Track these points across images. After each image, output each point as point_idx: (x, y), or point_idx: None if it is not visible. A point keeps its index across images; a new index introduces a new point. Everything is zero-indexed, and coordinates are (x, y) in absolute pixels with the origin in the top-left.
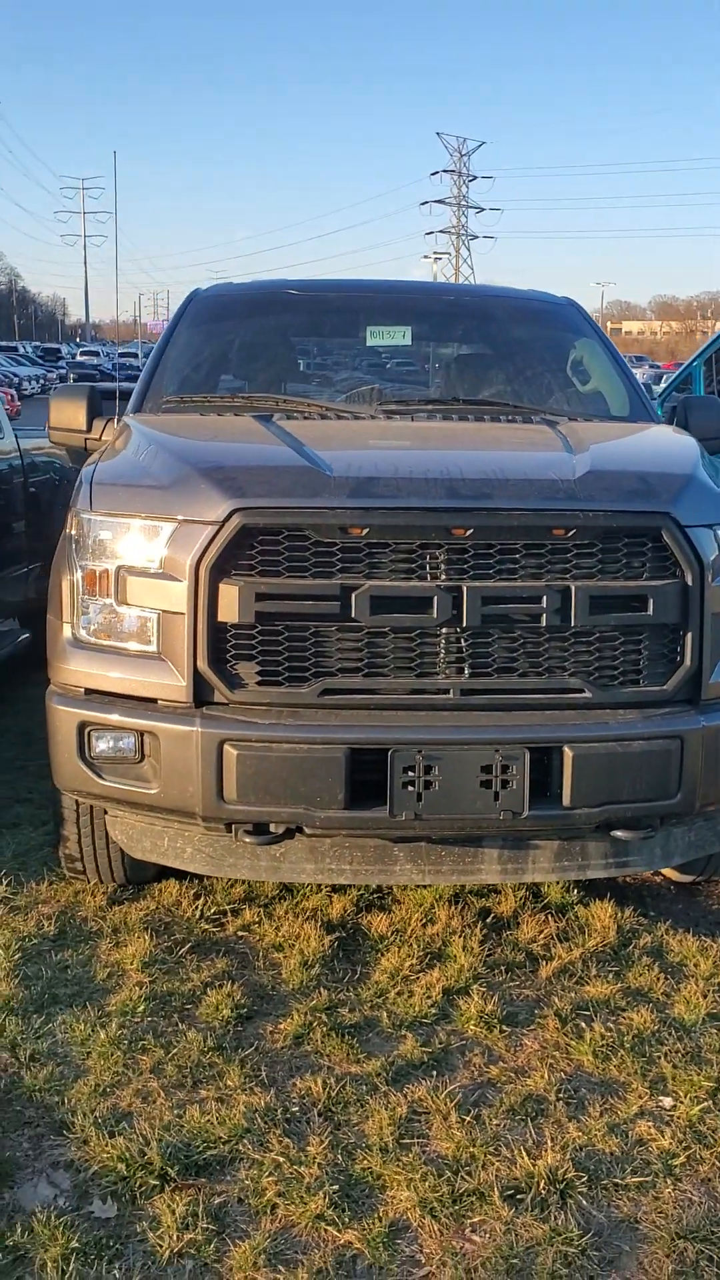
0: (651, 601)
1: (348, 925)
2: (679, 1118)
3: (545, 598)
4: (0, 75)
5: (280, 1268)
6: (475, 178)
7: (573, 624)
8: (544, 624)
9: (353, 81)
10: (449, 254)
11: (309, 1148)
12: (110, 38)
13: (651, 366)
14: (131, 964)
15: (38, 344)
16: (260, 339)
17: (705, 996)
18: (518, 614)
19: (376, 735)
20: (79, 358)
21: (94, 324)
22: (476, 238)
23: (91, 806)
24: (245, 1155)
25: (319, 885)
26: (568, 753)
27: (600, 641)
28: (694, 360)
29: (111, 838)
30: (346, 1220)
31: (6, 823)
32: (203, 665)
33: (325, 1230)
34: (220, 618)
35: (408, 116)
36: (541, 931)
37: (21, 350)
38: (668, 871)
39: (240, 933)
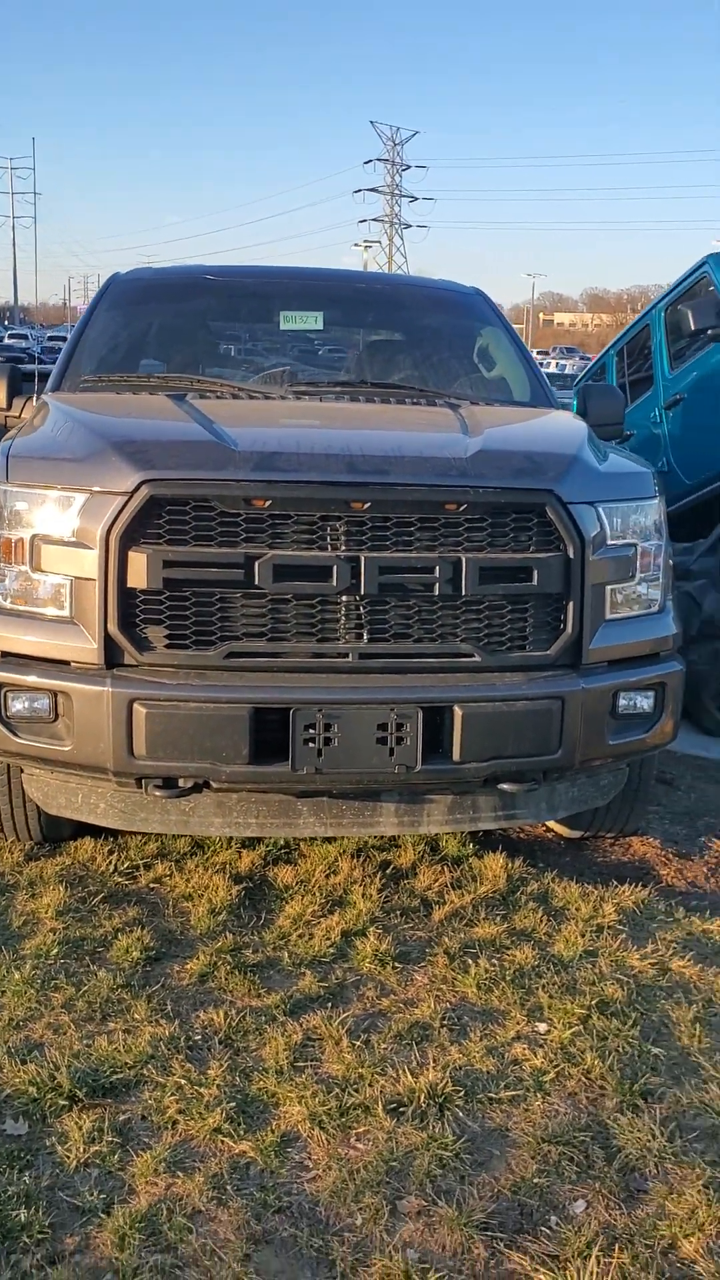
0: (536, 573)
1: (255, 877)
2: (552, 1041)
3: (438, 568)
4: None
5: (179, 1173)
6: (409, 167)
7: (463, 593)
8: (437, 593)
9: (287, 67)
10: (380, 242)
11: (209, 1071)
12: (38, 16)
13: (582, 358)
14: (46, 913)
15: None
16: (177, 322)
17: (583, 936)
18: (412, 583)
19: (279, 695)
20: (7, 340)
21: (22, 307)
22: (410, 226)
23: (8, 766)
24: (149, 1079)
25: (229, 841)
26: (457, 712)
27: (489, 609)
28: (607, 351)
29: (28, 795)
30: (241, 1133)
31: None
32: (113, 629)
33: (222, 1142)
34: (130, 584)
35: (341, 104)
36: (437, 880)
37: None
38: (557, 827)
39: (152, 884)
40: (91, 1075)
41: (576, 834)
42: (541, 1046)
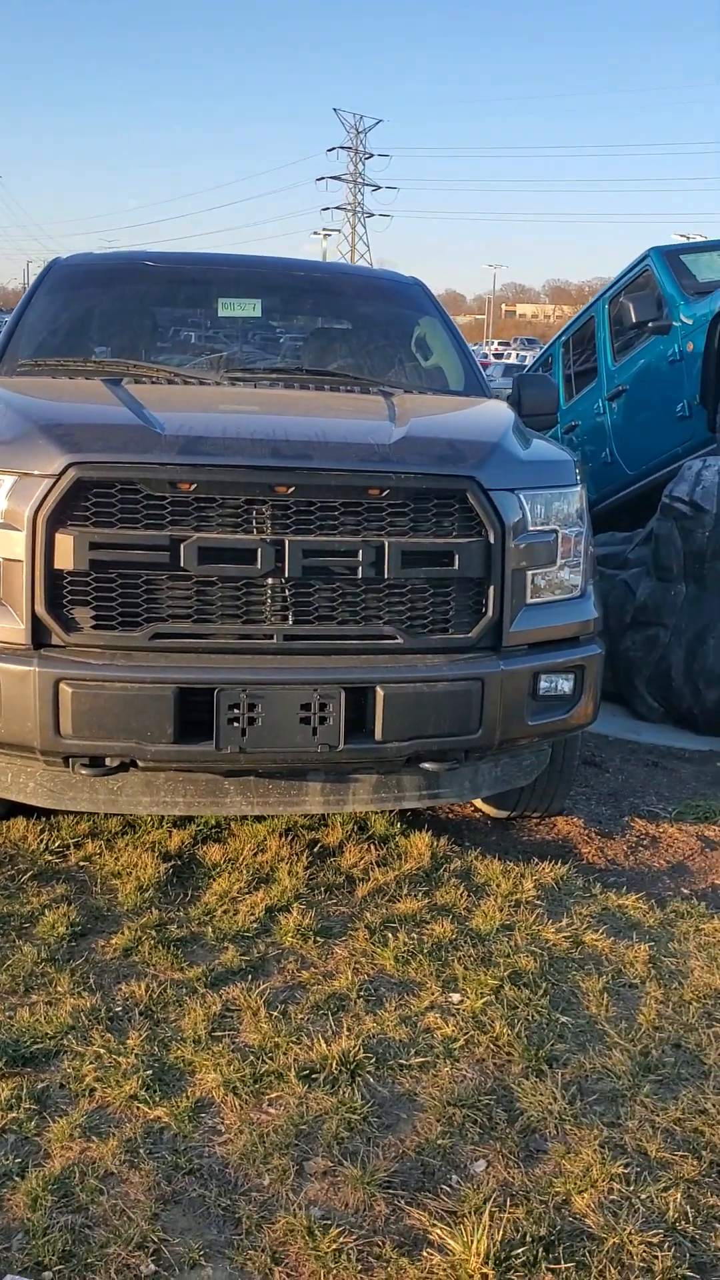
0: (458, 557)
1: (184, 855)
2: (464, 1010)
3: (361, 552)
4: None
5: (94, 1139)
6: (372, 155)
7: (386, 576)
8: (360, 576)
9: (251, 53)
10: (339, 230)
11: (128, 1041)
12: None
13: (542, 349)
14: None
15: None
16: (116, 307)
17: (501, 911)
18: (336, 566)
19: (203, 675)
20: None
21: None
22: (373, 215)
23: None
24: (69, 1048)
25: (160, 820)
26: (379, 692)
27: (411, 593)
28: (555, 342)
29: None
30: (157, 1100)
31: None
32: (40, 610)
33: (137, 1108)
34: (57, 565)
35: (305, 90)
36: (362, 858)
37: None
38: (484, 807)
39: (82, 863)
40: (12, 1046)
41: (503, 813)
42: (453, 1016)
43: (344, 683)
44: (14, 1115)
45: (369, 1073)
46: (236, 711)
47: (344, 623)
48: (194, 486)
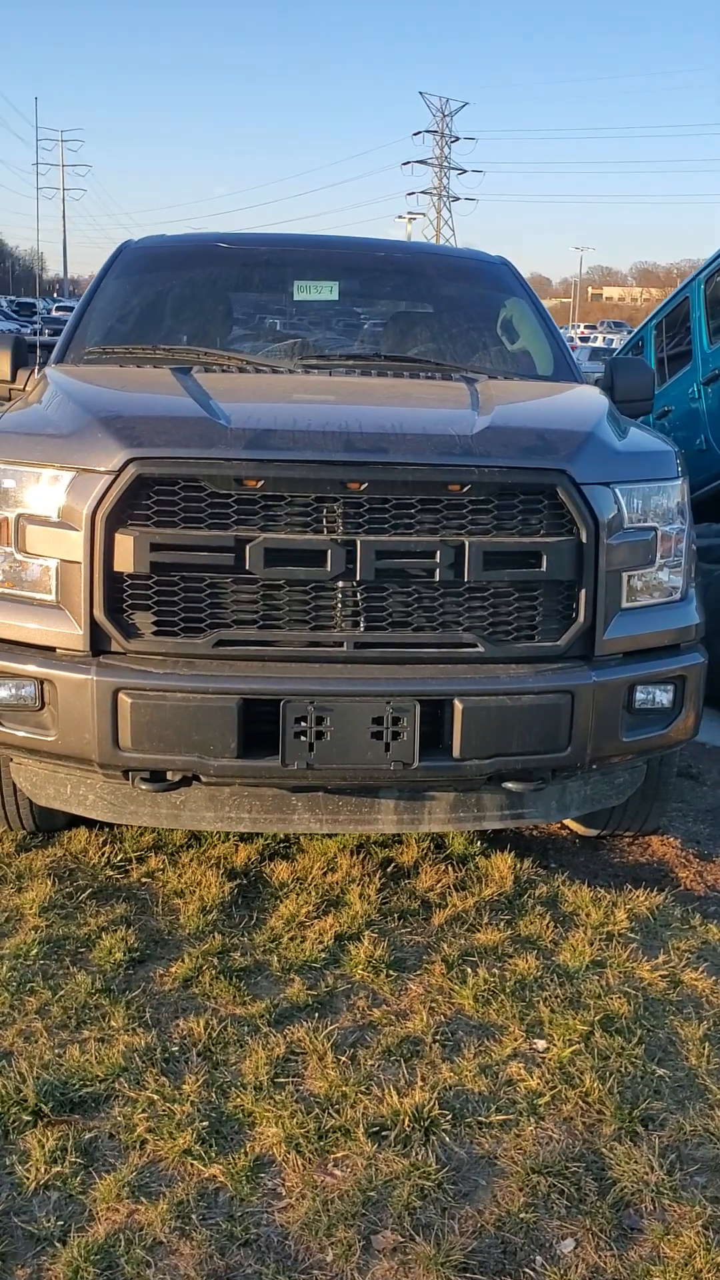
0: (546, 558)
1: (250, 873)
2: (550, 1059)
3: (439, 553)
4: None
5: (143, 1199)
6: (458, 139)
7: (466, 579)
8: (438, 579)
9: (337, 39)
10: (424, 214)
11: (184, 1086)
12: None
13: (629, 332)
14: (30, 909)
15: (13, 298)
16: (188, 291)
17: (591, 945)
18: (412, 568)
19: (269, 686)
20: (54, 313)
21: (72, 279)
22: (458, 199)
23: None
24: (120, 1093)
25: (226, 834)
26: (458, 705)
27: (494, 597)
28: (646, 324)
29: (17, 785)
30: (213, 1155)
31: None
32: (99, 614)
33: (191, 1164)
34: (116, 567)
35: (392, 76)
36: (439, 881)
37: (2, 304)
38: (573, 825)
39: (144, 879)
40: (60, 1088)
41: (593, 832)
42: (539, 1066)
43: (419, 695)
44: (59, 1170)
45: (445, 1131)
46: (304, 725)
47: (420, 630)
48: (261, 483)
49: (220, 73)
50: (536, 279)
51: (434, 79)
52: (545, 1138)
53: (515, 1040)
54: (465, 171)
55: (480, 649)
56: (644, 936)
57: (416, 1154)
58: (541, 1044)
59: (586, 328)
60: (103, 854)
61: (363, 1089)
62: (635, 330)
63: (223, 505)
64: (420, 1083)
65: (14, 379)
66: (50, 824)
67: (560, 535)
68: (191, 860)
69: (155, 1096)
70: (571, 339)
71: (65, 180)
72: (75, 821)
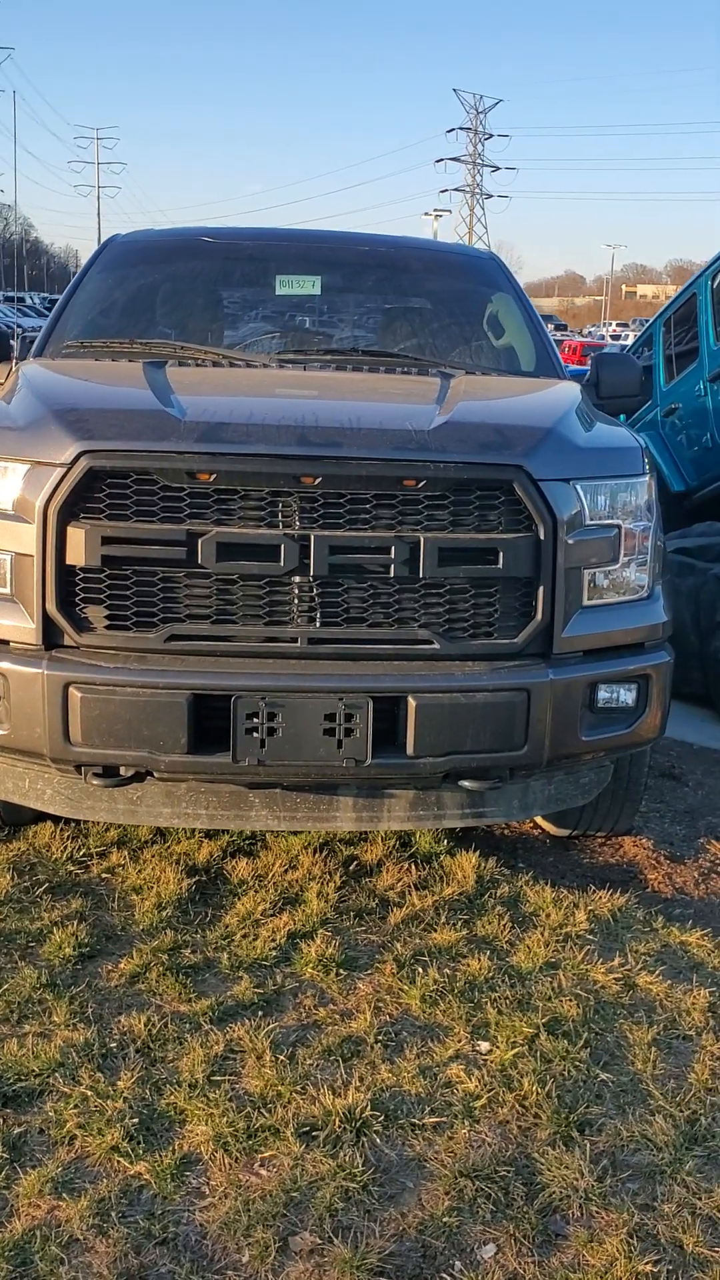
0: (503, 555)
1: (211, 870)
2: (492, 1062)
3: (394, 548)
4: (9, 19)
5: (65, 1196)
6: (491, 135)
7: (422, 575)
8: (393, 575)
9: (372, 35)
10: (450, 211)
11: (119, 1082)
12: None
13: None
14: None
15: (45, 295)
16: (170, 285)
17: (547, 946)
18: (367, 564)
19: (220, 681)
20: None
21: None
22: (491, 196)
23: None
24: (54, 1088)
25: (192, 831)
26: (411, 702)
27: (450, 593)
28: (654, 321)
29: None
30: (140, 1152)
31: None
32: (51, 608)
33: (117, 1161)
34: (69, 561)
35: (424, 72)
36: (400, 880)
37: (29, 301)
38: (544, 825)
39: (104, 875)
40: None
41: (564, 832)
42: (479, 1068)
43: (372, 691)
44: None
45: (376, 1132)
46: (255, 721)
47: (375, 626)
48: (213, 477)
49: (255, 68)
50: (570, 277)
51: (468, 76)
52: (478, 1141)
53: (459, 1042)
54: (498, 169)
55: (435, 646)
56: (603, 938)
57: (345, 1155)
58: (485, 1046)
59: (618, 326)
60: (65, 849)
61: (298, 1089)
62: (645, 326)
63: (175, 499)
64: (357, 1083)
65: None
66: (16, 818)
67: (517, 532)
68: (154, 856)
69: (89, 1092)
70: (602, 337)
71: (100, 178)
72: (42, 816)
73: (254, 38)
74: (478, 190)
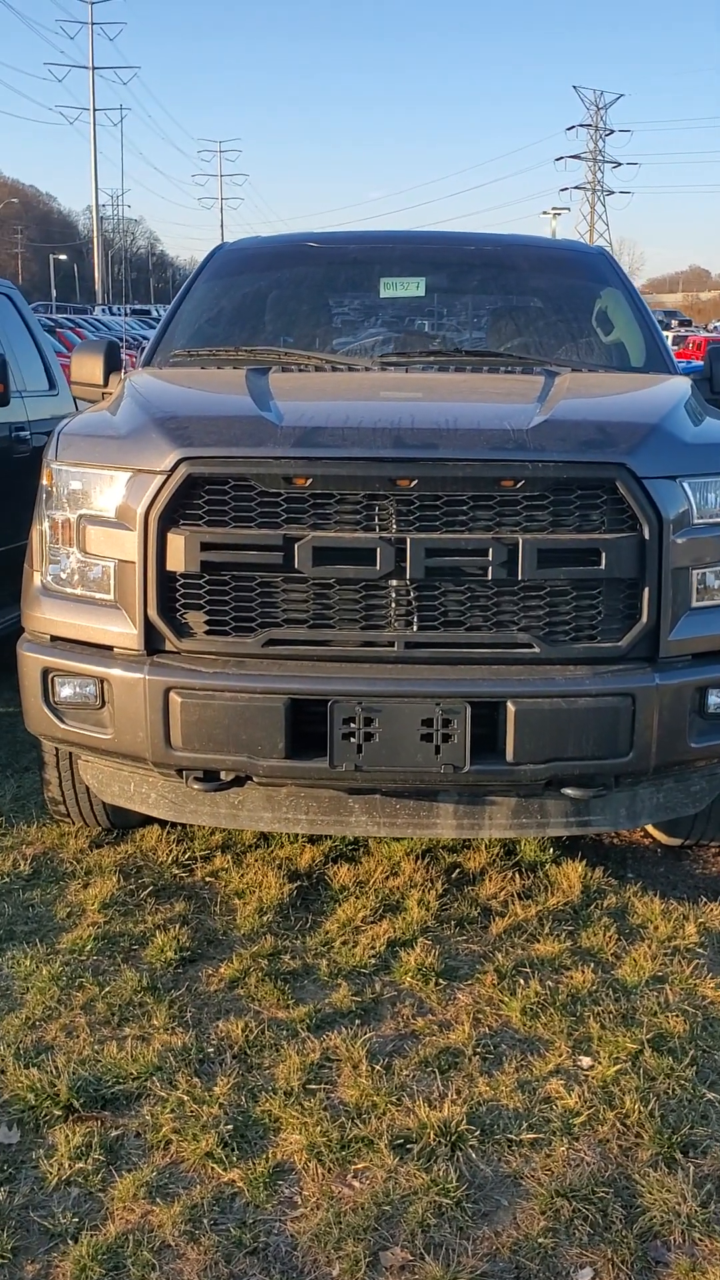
0: (605, 556)
1: (313, 875)
2: (593, 1078)
3: (492, 550)
4: (133, 38)
5: (159, 1201)
6: (612, 131)
7: (521, 578)
8: (491, 577)
9: (491, 34)
10: (568, 209)
11: (215, 1088)
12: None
13: None
14: (93, 904)
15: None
16: (275, 292)
17: (654, 959)
18: (464, 567)
19: (316, 686)
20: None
21: None
22: (612, 193)
23: (69, 753)
24: (152, 1092)
25: (295, 835)
26: (510, 707)
27: (551, 596)
28: None
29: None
30: (234, 1159)
31: (19, 766)
32: (153, 614)
33: (211, 1168)
34: (169, 567)
35: (543, 70)
36: (504, 888)
37: (155, 314)
38: (655, 833)
39: (208, 878)
40: (94, 1084)
41: (676, 841)
42: (580, 1084)
43: (470, 696)
44: (81, 1166)
45: (471, 1147)
46: (352, 726)
47: (473, 629)
48: (309, 481)
49: (372, 72)
50: (695, 272)
51: (588, 72)
52: (576, 1159)
53: (560, 1056)
54: (620, 165)
55: (536, 649)
56: (713, 952)
57: (439, 1169)
58: (587, 1061)
59: None
60: (171, 852)
61: (393, 1100)
62: None
63: (272, 504)
64: (453, 1096)
65: (106, 383)
66: (124, 821)
67: (620, 532)
68: (257, 860)
69: (185, 1097)
70: None
71: (223, 190)
72: (149, 819)
73: (368, 41)
74: (598, 187)
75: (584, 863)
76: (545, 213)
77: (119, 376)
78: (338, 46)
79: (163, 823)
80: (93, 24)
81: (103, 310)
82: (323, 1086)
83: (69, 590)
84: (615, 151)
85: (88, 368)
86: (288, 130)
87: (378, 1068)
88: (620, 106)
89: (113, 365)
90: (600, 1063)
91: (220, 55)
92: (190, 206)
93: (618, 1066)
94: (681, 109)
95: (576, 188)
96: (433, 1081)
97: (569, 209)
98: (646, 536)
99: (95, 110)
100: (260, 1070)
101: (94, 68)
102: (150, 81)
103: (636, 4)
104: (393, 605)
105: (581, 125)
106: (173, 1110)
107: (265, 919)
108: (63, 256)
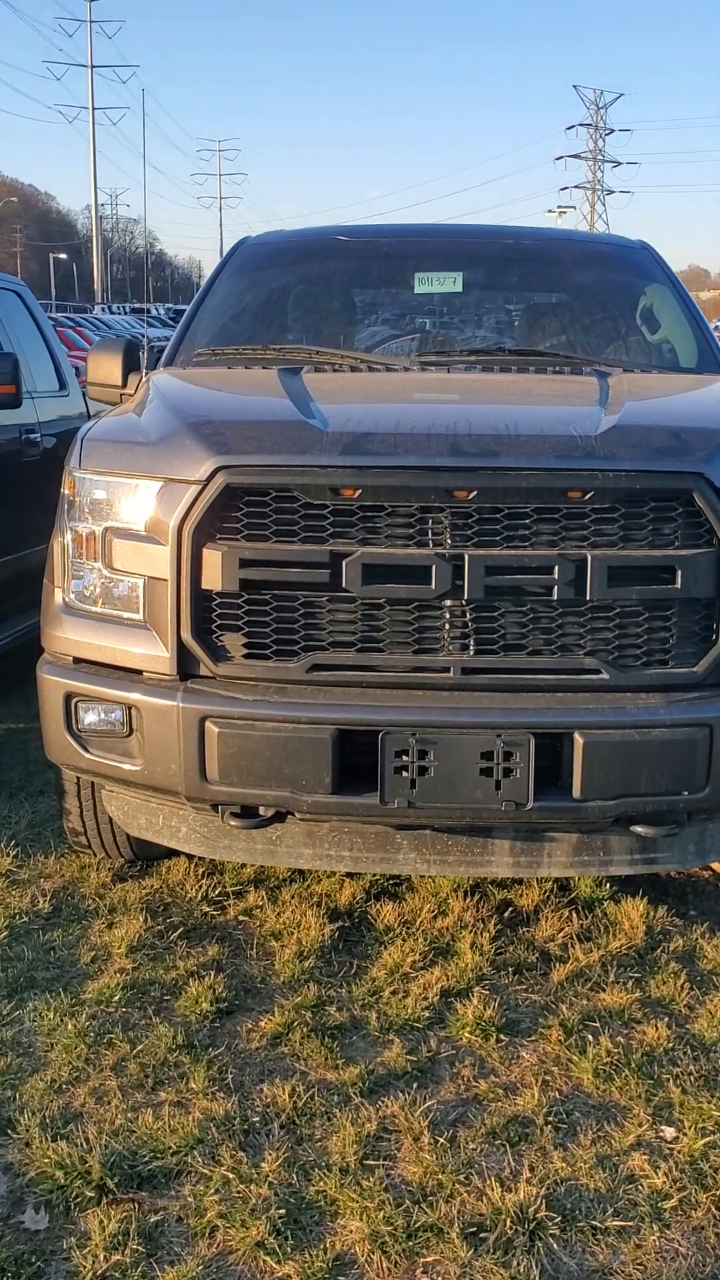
0: (680, 573)
1: (355, 913)
2: (679, 1152)
3: (558, 568)
4: (131, 36)
5: None
6: (612, 131)
7: (589, 597)
8: (556, 597)
9: (487, 33)
10: (574, 208)
11: (263, 1164)
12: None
13: None
14: (119, 947)
15: (170, 306)
16: (303, 287)
17: None
18: (527, 585)
19: (366, 715)
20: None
21: None
22: (612, 193)
23: (92, 782)
24: (193, 1168)
25: (331, 871)
26: (578, 739)
27: (621, 617)
28: None
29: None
30: (288, 1250)
31: (34, 789)
32: (186, 635)
33: (263, 1260)
34: (204, 585)
35: (543, 69)
36: (561, 930)
37: (153, 312)
38: (717, 865)
39: (241, 917)
40: (129, 1159)
41: None
42: (666, 1159)
43: (534, 727)
44: (118, 1259)
45: (552, 1235)
46: (405, 759)
47: (536, 654)
48: (358, 493)
49: (371, 73)
50: (694, 271)
51: (587, 72)
52: (670, 1251)
53: (639, 1126)
54: (620, 164)
55: (604, 676)
56: None
57: (518, 1263)
58: (670, 1132)
59: None
60: (200, 887)
61: (461, 1178)
62: None
63: (318, 517)
64: (527, 1174)
65: (125, 384)
66: (149, 852)
67: (697, 547)
68: (293, 897)
69: (230, 1175)
70: None
71: (222, 188)
72: (174, 850)
73: (366, 40)
74: (599, 187)
75: (644, 900)
76: (550, 211)
77: (138, 377)
78: (337, 46)
79: (190, 854)
80: (91, 21)
81: (102, 309)
82: (382, 1162)
83: (94, 609)
84: (615, 151)
85: (105, 367)
86: (286, 131)
87: (441, 1140)
88: (620, 106)
89: (131, 365)
90: (685, 1134)
91: (220, 56)
92: (189, 206)
93: (706, 1139)
94: (681, 108)
95: (576, 187)
96: (503, 1156)
97: (574, 207)
98: None
99: (94, 109)
100: (312, 1143)
101: (93, 66)
102: (149, 81)
103: (637, 3)
104: (448, 627)
105: (581, 125)
106: (217, 1190)
107: (306, 964)
108: (62, 255)
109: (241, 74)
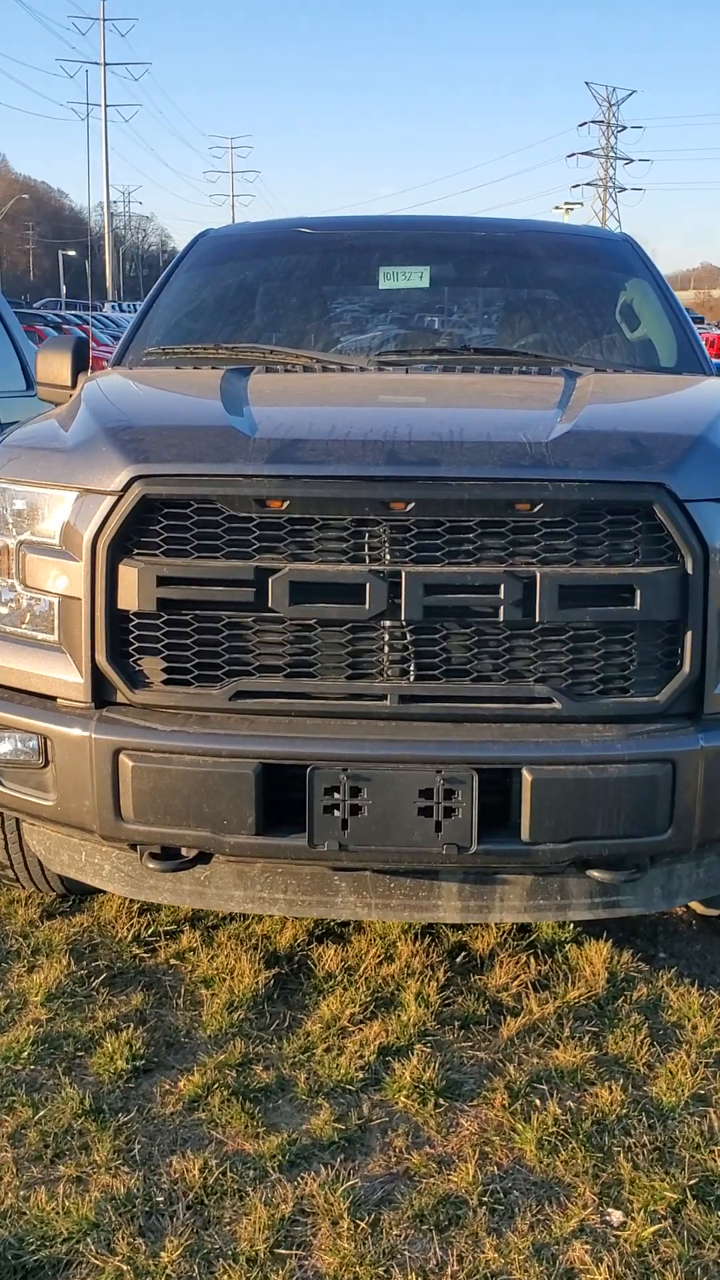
0: (640, 594)
1: (295, 958)
2: (625, 1241)
3: (504, 587)
4: (145, 34)
5: None
6: (624, 128)
7: (539, 619)
8: (503, 619)
9: (500, 29)
10: (582, 204)
11: (162, 1254)
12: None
13: None
14: (36, 995)
15: None
16: (262, 283)
17: (694, 1071)
18: (470, 606)
19: (293, 749)
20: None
21: None
22: (624, 190)
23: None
24: (84, 1258)
25: None
26: (527, 776)
27: (574, 641)
28: None
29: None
30: None
31: None
32: (101, 659)
33: None
34: (121, 604)
35: (553, 66)
36: (517, 978)
37: None
38: (692, 904)
39: (172, 960)
40: (14, 1248)
41: (714, 912)
42: (610, 1250)
43: (478, 762)
44: None
45: None
46: (336, 797)
47: (480, 680)
48: (286, 504)
49: (381, 68)
50: (707, 269)
51: (600, 68)
52: None
53: (583, 1209)
54: (632, 161)
55: (556, 705)
56: None
57: None
58: (617, 1216)
59: None
60: (133, 926)
61: (380, 1271)
62: None
63: (242, 530)
64: (454, 1265)
65: (74, 384)
66: (80, 887)
67: (659, 565)
68: (230, 938)
69: (124, 1266)
70: None
71: (235, 186)
72: None
73: (378, 39)
74: (610, 184)
75: (609, 943)
76: (558, 208)
77: (86, 376)
78: (349, 45)
79: None
80: (104, 19)
81: (113, 307)
82: (295, 1252)
83: (9, 629)
84: (627, 148)
85: (54, 367)
86: (298, 129)
87: (362, 1224)
88: (632, 103)
89: (81, 365)
90: (634, 1218)
91: (233, 55)
92: (201, 204)
93: (656, 1226)
94: (694, 105)
95: (588, 184)
96: (429, 1244)
97: (582, 204)
98: (689, 570)
99: (107, 106)
100: (219, 1226)
101: (105, 64)
102: (162, 79)
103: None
104: (385, 651)
105: (593, 121)
106: None
107: (236, 1016)
108: (71, 253)
109: (256, 74)
